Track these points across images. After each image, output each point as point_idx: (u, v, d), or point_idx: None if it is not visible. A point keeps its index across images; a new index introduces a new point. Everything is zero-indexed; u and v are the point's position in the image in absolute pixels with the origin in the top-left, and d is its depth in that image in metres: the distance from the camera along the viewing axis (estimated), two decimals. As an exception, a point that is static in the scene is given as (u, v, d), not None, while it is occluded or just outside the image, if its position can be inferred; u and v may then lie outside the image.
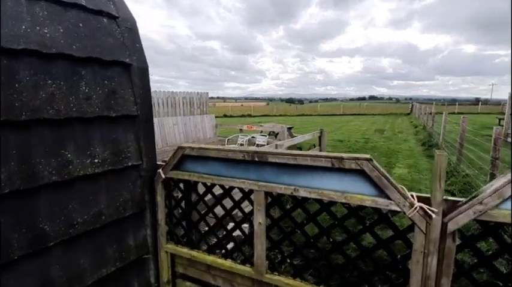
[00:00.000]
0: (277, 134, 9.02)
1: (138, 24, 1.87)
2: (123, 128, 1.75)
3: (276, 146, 4.88)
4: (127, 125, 1.77)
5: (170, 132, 7.91)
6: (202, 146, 1.76)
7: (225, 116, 31.05)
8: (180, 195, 2.01)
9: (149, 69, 1.90)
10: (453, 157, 7.27)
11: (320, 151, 6.88)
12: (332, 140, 12.03)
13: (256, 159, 1.55)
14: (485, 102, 60.13)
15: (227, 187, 1.79)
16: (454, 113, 26.24)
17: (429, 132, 12.12)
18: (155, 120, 7.41)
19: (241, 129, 9.12)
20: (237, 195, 1.77)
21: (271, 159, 1.51)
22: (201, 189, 1.93)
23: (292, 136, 10.53)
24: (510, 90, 10.68)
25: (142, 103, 1.83)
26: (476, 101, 61.22)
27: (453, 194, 4.86)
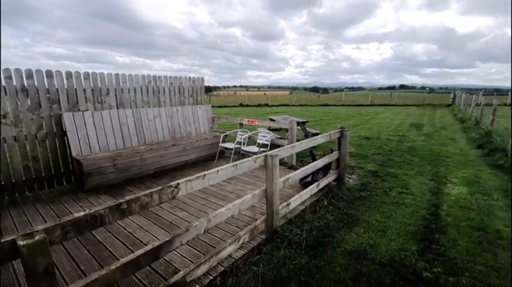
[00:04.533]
0: (287, 130, 7.10)
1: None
2: None
3: (266, 158, 3.06)
4: None
5: (150, 126, 6.31)
6: None
7: (241, 105, 29.24)
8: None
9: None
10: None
11: (339, 157, 4.93)
12: (357, 137, 9.86)
13: None
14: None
15: None
16: (506, 104, 22.42)
17: (485, 130, 9.51)
18: (128, 111, 5.83)
19: (241, 124, 7.31)
20: None
21: None
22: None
23: (307, 133, 8.55)
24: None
25: None
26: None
27: None
